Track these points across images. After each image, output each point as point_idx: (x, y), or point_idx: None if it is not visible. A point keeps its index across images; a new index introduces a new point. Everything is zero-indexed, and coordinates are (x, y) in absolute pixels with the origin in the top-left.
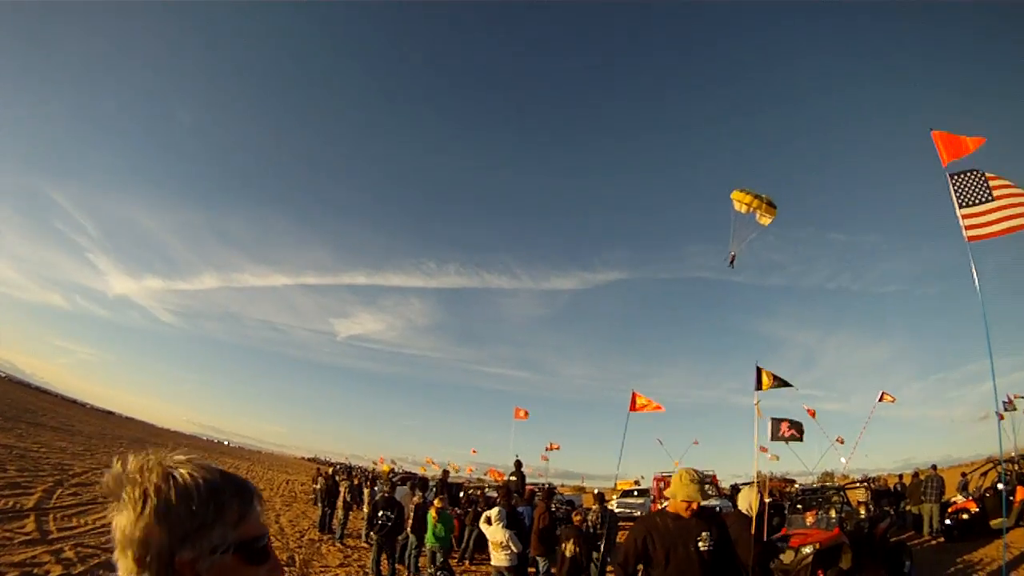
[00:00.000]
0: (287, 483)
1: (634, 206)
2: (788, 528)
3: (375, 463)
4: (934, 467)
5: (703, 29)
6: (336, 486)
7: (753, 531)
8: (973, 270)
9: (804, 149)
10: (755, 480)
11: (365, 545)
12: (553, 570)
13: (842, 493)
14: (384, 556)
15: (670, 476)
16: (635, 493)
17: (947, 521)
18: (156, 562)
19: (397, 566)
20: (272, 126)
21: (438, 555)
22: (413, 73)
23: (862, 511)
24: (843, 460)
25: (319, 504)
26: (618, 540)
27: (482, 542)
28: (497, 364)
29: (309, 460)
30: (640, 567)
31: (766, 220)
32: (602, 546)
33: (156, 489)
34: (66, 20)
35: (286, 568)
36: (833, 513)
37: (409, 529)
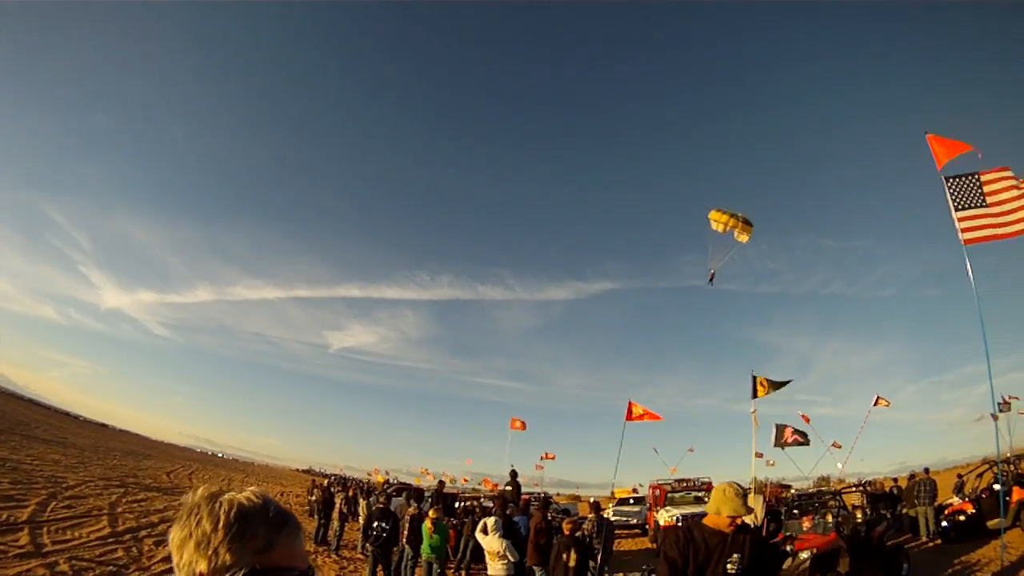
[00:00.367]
0: (282, 495)
1: (628, 216)
2: (784, 533)
3: (369, 474)
4: (926, 470)
5: (695, 39)
6: (332, 498)
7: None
8: (969, 272)
9: (797, 156)
10: (754, 486)
11: (361, 556)
12: None
13: (838, 497)
14: (380, 567)
15: (666, 484)
16: (631, 501)
17: (944, 523)
18: (185, 571)
19: None
20: (265, 140)
21: (434, 566)
22: (407, 86)
23: (859, 515)
24: (839, 464)
25: (314, 516)
26: (614, 548)
27: (478, 552)
28: (492, 375)
29: (303, 472)
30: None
31: (744, 238)
32: (599, 556)
33: (198, 507)
34: (58, 34)
35: None
36: (830, 517)
37: (404, 540)
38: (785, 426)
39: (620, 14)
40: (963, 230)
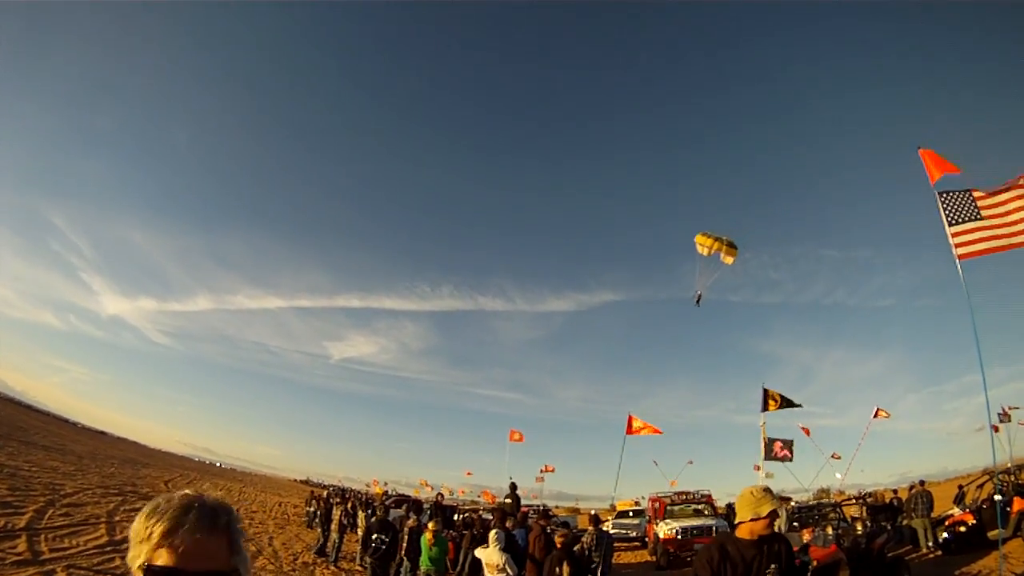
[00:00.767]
0: (280, 505)
1: (629, 226)
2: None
3: (368, 485)
4: (921, 482)
5: (696, 48)
6: (331, 509)
7: None
8: (964, 286)
9: (797, 166)
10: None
11: (359, 568)
12: None
13: (838, 509)
14: None
15: (665, 497)
16: (630, 514)
17: (944, 534)
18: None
19: None
20: (267, 147)
21: None
22: (410, 93)
23: (859, 527)
24: (838, 476)
25: (313, 527)
26: (613, 561)
27: (476, 565)
28: (492, 386)
29: (302, 482)
30: None
31: (729, 260)
32: (599, 569)
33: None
34: (59, 35)
35: None
36: (830, 530)
37: (403, 552)
38: (775, 440)
39: (621, 23)
40: (957, 245)
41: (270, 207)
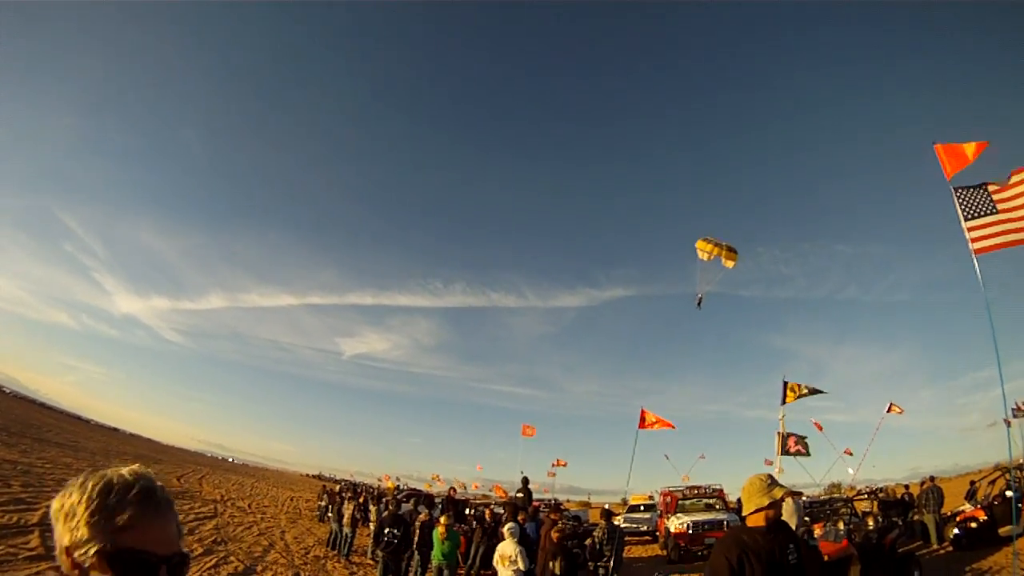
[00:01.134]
0: (292, 500)
1: (640, 223)
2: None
3: (380, 480)
4: (932, 478)
5: (710, 45)
6: (343, 503)
7: None
8: (980, 280)
9: (810, 161)
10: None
11: (371, 562)
12: None
13: (850, 504)
14: (390, 574)
15: (677, 491)
16: (641, 508)
17: (955, 530)
18: (57, 544)
19: None
20: (278, 146)
21: (445, 572)
22: (419, 92)
23: (870, 522)
24: (850, 471)
25: (325, 521)
26: (624, 555)
27: (488, 559)
28: (503, 382)
29: (314, 477)
30: None
31: (730, 264)
32: (610, 563)
33: (80, 484)
34: (70, 38)
35: None
36: (841, 525)
37: (415, 546)
38: (789, 435)
39: (635, 22)
40: (973, 240)
41: (282, 206)
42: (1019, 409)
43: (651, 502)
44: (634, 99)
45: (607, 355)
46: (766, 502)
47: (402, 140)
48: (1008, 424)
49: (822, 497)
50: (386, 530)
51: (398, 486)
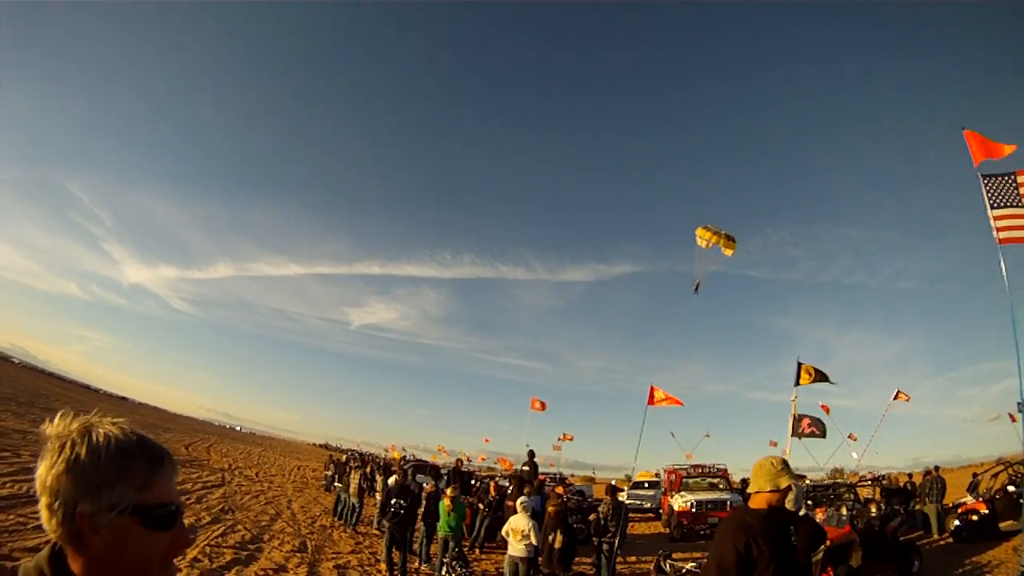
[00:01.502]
0: (299, 469)
1: (651, 199)
2: None
3: (386, 450)
4: (936, 468)
5: (727, 21)
6: (349, 473)
7: None
8: (1003, 271)
9: (822, 146)
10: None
11: (376, 532)
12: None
13: (853, 490)
14: (396, 544)
15: (682, 469)
16: (646, 485)
17: (956, 522)
18: (61, 511)
19: (408, 554)
20: (288, 117)
21: (451, 543)
22: (431, 64)
23: (873, 509)
24: (854, 455)
25: (331, 490)
26: (628, 531)
27: (493, 531)
28: (511, 354)
29: (321, 447)
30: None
31: (729, 252)
32: (615, 540)
33: (72, 443)
34: (84, 14)
35: (298, 554)
36: (844, 510)
37: (420, 517)
38: (803, 416)
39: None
40: (999, 229)
41: (291, 175)
42: None
43: (656, 479)
44: (650, 75)
45: (614, 331)
46: (769, 487)
47: (414, 113)
48: (1012, 419)
49: (825, 481)
50: (393, 500)
51: (404, 456)
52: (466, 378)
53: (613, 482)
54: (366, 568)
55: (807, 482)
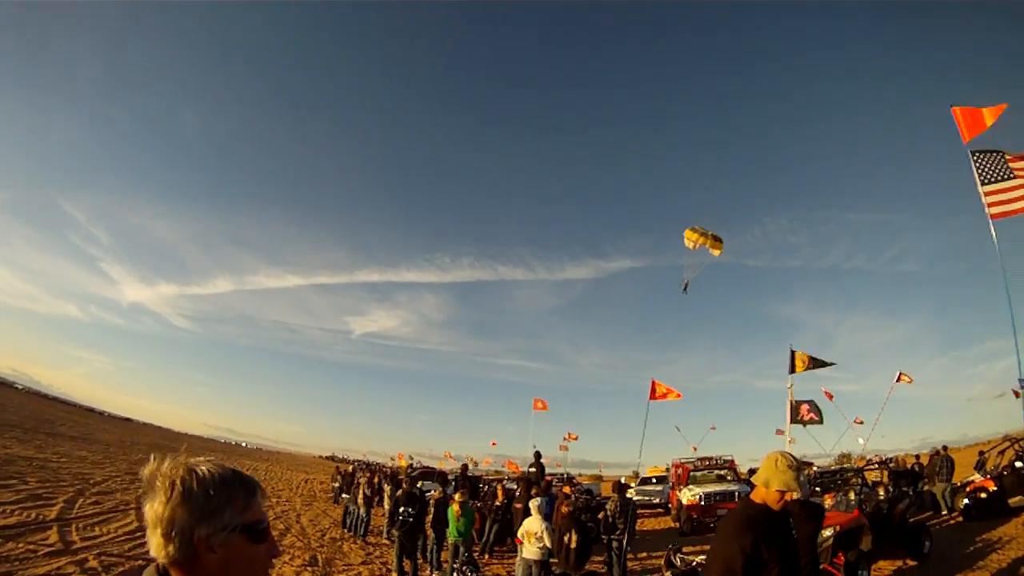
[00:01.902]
0: (306, 482)
1: (648, 194)
2: None
3: (393, 459)
4: (944, 448)
5: (720, 13)
6: (357, 484)
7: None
8: (996, 246)
9: (818, 133)
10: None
11: (387, 542)
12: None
13: (860, 474)
14: (406, 553)
15: (688, 463)
16: (654, 480)
17: (965, 500)
18: (180, 536)
19: (419, 561)
20: (280, 128)
21: (461, 548)
22: (423, 68)
23: (880, 492)
24: (861, 441)
25: (339, 502)
26: (637, 527)
27: (503, 535)
28: (512, 356)
29: (327, 459)
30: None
31: (716, 252)
32: (624, 537)
33: (182, 480)
34: (72, 31)
35: (309, 568)
36: (852, 495)
37: (429, 524)
38: (802, 403)
39: None
40: (989, 204)
41: (287, 186)
42: None
43: (663, 474)
44: (644, 68)
45: (615, 327)
46: (776, 486)
47: (405, 116)
48: (1016, 395)
49: (832, 467)
50: (401, 509)
51: (411, 464)
52: (469, 382)
53: (622, 479)
54: None
55: (814, 469)
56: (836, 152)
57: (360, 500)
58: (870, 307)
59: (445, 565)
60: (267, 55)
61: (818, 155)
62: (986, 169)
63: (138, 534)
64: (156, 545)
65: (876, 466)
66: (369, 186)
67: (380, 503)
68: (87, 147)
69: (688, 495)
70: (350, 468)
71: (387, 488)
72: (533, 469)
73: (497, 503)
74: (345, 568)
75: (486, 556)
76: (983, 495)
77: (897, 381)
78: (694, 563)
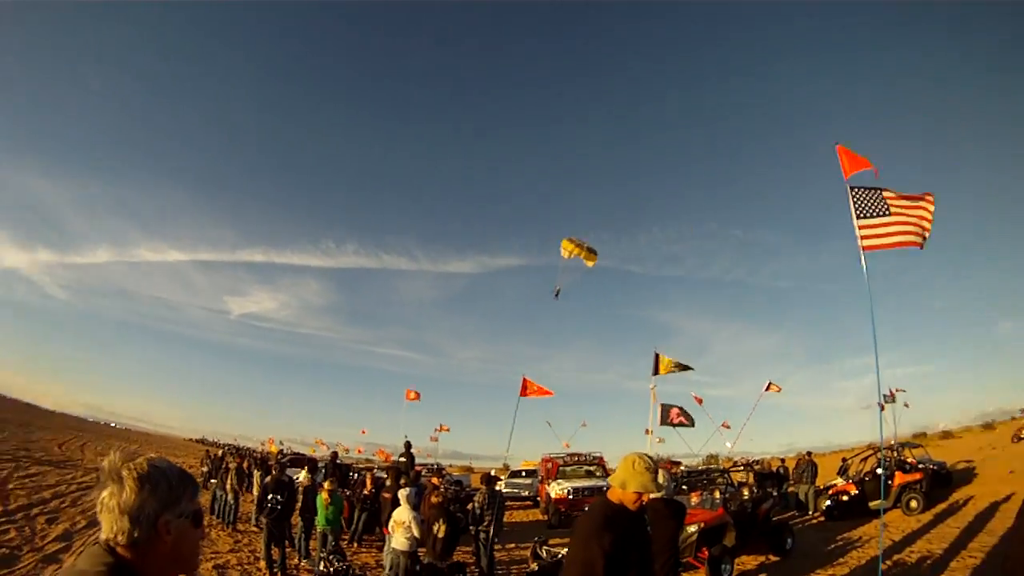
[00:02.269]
0: None
1: (537, 193)
2: None
3: (263, 444)
4: (809, 453)
5: (621, 19)
6: (226, 469)
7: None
8: (865, 275)
9: (711, 146)
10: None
11: (255, 529)
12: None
13: (726, 475)
14: (274, 541)
15: (558, 458)
16: (523, 474)
17: (827, 502)
18: (147, 521)
19: (287, 549)
20: (172, 95)
21: (329, 537)
22: (317, 47)
23: (745, 492)
24: (728, 444)
25: (208, 487)
26: (506, 519)
27: (372, 524)
28: (391, 345)
29: (198, 442)
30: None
31: (590, 263)
32: (491, 529)
33: (150, 474)
34: None
35: None
36: (717, 494)
37: (298, 512)
38: (671, 407)
39: None
40: (862, 236)
41: (176, 155)
42: (892, 395)
43: (534, 468)
44: (537, 71)
45: (495, 322)
46: (634, 488)
47: (300, 95)
48: (882, 408)
49: (700, 467)
50: (269, 496)
51: (281, 450)
52: (344, 369)
53: (492, 472)
54: (246, 567)
55: (682, 468)
56: (731, 172)
57: (229, 486)
58: (746, 318)
59: (314, 553)
60: (166, 26)
61: (713, 173)
62: (862, 204)
63: (1, 520)
64: (119, 528)
65: (742, 468)
66: (259, 162)
67: (249, 489)
68: None
69: (557, 489)
70: (220, 452)
71: (256, 474)
72: (403, 459)
73: (366, 492)
74: (213, 556)
75: (355, 545)
76: (845, 498)
77: (766, 389)
78: (559, 555)
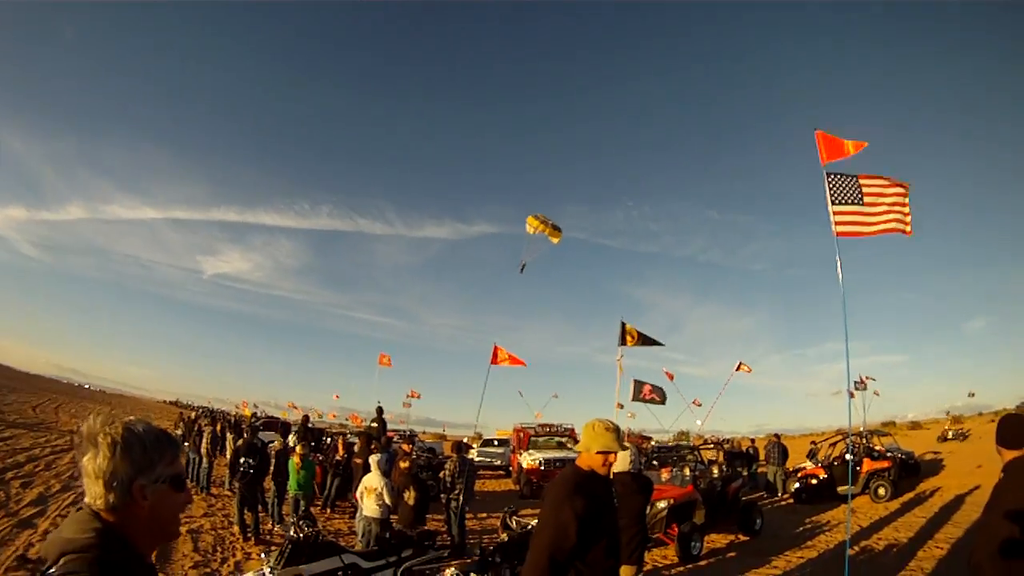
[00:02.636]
0: None
1: (516, 162)
2: None
3: (237, 407)
4: (777, 436)
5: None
6: (200, 432)
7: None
8: (838, 262)
9: (690, 126)
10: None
11: (229, 493)
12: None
13: (696, 452)
14: (247, 505)
15: (530, 428)
16: (495, 443)
17: (796, 484)
18: (120, 487)
19: (261, 514)
20: (151, 51)
21: (301, 502)
22: (294, 13)
23: (715, 470)
24: (698, 422)
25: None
26: (477, 488)
27: (344, 489)
28: (365, 310)
29: (171, 403)
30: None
31: (555, 240)
32: (461, 497)
33: (123, 437)
34: None
35: None
36: (687, 471)
37: (270, 476)
38: (644, 383)
39: None
40: (837, 223)
41: (149, 110)
42: (862, 383)
43: (507, 438)
44: (515, 41)
45: (470, 290)
46: (596, 448)
47: (277, 56)
48: (851, 395)
49: (670, 443)
50: (242, 460)
51: (255, 413)
52: (318, 333)
53: (465, 439)
54: (219, 531)
55: (653, 443)
56: (708, 152)
57: (203, 449)
58: (721, 299)
59: (287, 518)
60: None
61: (689, 150)
62: (838, 191)
63: None
64: (96, 494)
65: (712, 446)
66: (234, 120)
67: (223, 452)
68: None
69: (528, 459)
70: (193, 415)
71: (230, 437)
72: (374, 424)
73: (338, 457)
74: (186, 520)
75: (328, 511)
76: (814, 481)
77: (737, 370)
78: (529, 526)
